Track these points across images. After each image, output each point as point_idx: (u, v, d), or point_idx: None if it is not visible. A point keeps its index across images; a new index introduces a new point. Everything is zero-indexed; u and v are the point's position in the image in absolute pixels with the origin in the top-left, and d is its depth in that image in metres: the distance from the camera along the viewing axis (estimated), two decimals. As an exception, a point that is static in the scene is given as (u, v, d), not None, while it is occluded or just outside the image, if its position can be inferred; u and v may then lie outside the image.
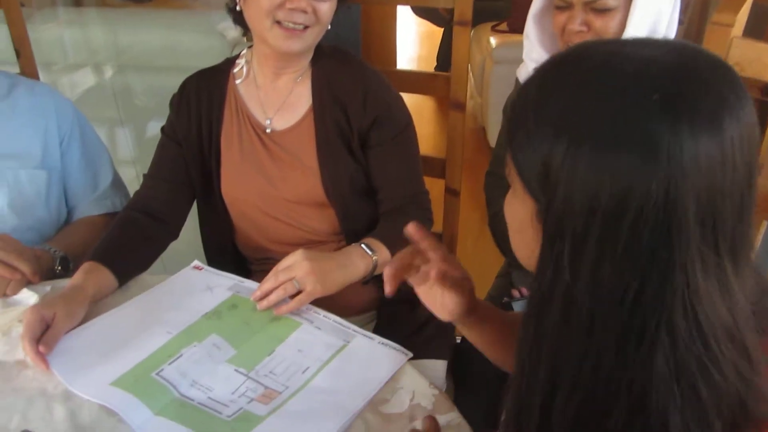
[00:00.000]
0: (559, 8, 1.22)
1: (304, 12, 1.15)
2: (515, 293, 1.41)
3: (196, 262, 1.21)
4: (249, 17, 1.21)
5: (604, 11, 1.17)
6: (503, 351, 0.96)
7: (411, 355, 1.01)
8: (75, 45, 2.60)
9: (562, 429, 0.58)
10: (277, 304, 1.08)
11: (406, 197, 1.31)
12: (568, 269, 0.55)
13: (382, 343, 1.02)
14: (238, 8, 1.23)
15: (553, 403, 0.58)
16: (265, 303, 1.07)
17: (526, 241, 0.63)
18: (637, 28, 1.16)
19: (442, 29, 4.63)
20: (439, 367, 1.28)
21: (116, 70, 2.48)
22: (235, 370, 0.96)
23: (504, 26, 3.82)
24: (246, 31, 1.29)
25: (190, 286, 1.15)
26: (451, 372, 1.33)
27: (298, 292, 1.08)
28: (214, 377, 0.95)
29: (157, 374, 0.93)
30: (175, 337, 1.01)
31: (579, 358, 0.56)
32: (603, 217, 0.52)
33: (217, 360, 0.97)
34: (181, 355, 0.97)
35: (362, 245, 1.18)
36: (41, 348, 0.96)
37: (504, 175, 1.49)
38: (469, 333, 0.96)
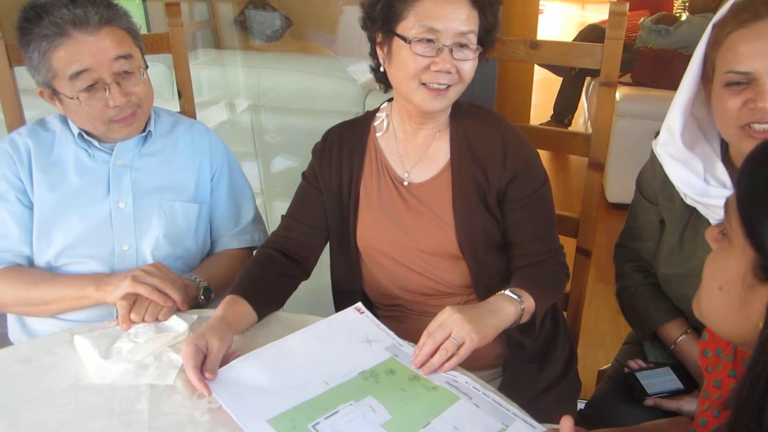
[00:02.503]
0: (735, 85, 1.09)
1: (449, 72, 1.19)
2: (633, 365, 1.36)
3: (358, 305, 1.23)
4: (393, 78, 1.25)
5: None
6: None
7: None
8: (212, 83, 2.79)
9: None
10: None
11: (541, 253, 1.30)
12: None
13: None
14: (381, 69, 1.28)
15: None
16: (428, 369, 1.06)
17: (728, 300, 0.64)
18: None
19: (561, 78, 4.60)
20: (561, 432, 1.25)
21: (253, 109, 2.63)
22: None
23: (628, 78, 3.75)
24: (387, 88, 1.34)
25: (350, 332, 1.17)
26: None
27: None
28: None
29: (314, 426, 0.95)
30: (332, 389, 1.03)
31: None
32: None
33: (372, 423, 0.97)
34: (337, 411, 0.98)
35: (506, 292, 1.17)
36: (207, 375, 1.02)
37: (636, 249, 1.45)
38: None
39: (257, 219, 1.59)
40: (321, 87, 2.41)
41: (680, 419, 1.13)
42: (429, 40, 1.17)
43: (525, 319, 1.18)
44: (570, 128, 4.54)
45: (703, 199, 1.18)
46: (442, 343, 1.06)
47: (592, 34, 4.18)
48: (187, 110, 1.70)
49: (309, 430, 0.95)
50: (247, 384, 1.04)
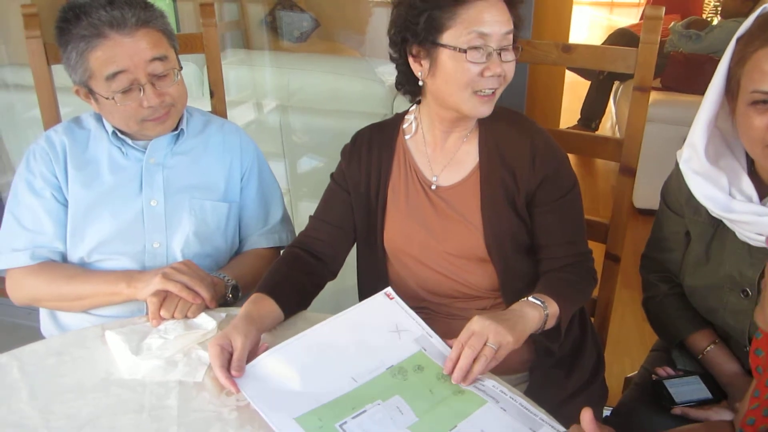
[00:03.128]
0: (762, 104, 1.06)
1: (499, 76, 1.18)
2: (661, 372, 1.35)
3: (388, 290, 1.23)
4: (440, 90, 1.22)
5: None
6: None
7: None
8: (241, 83, 2.81)
9: None
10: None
11: (569, 257, 1.29)
12: None
13: None
14: (420, 83, 1.26)
15: None
16: (470, 379, 1.04)
17: None
18: None
19: (589, 82, 4.56)
20: (587, 439, 1.24)
21: (280, 109, 2.65)
22: None
23: (657, 83, 3.71)
24: (414, 98, 1.33)
25: (379, 321, 1.17)
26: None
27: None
28: None
29: (341, 426, 0.96)
30: (360, 387, 1.04)
31: None
32: None
33: (399, 425, 0.97)
34: (364, 411, 0.99)
35: (530, 298, 1.17)
36: (234, 373, 1.03)
37: (661, 260, 1.43)
38: None
39: (285, 219, 1.60)
40: (349, 88, 2.42)
41: (716, 423, 1.11)
42: (477, 47, 1.16)
43: (550, 324, 1.17)
44: (597, 133, 4.50)
45: (727, 215, 1.16)
46: (479, 351, 1.05)
47: (621, 38, 4.14)
48: (219, 110, 1.72)
49: (336, 429, 0.95)
50: (275, 380, 1.04)
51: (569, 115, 4.86)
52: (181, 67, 1.39)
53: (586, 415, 0.89)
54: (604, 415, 1.45)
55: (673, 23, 4.05)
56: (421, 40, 1.20)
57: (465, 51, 1.15)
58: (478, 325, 1.07)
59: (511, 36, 1.19)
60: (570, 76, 5.19)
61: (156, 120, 1.36)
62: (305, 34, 3.99)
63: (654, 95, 3.50)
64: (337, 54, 3.65)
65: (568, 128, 3.81)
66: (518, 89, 1.74)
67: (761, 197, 1.14)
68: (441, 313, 1.37)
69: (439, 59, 1.19)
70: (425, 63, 1.22)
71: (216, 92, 1.70)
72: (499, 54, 1.17)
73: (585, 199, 1.34)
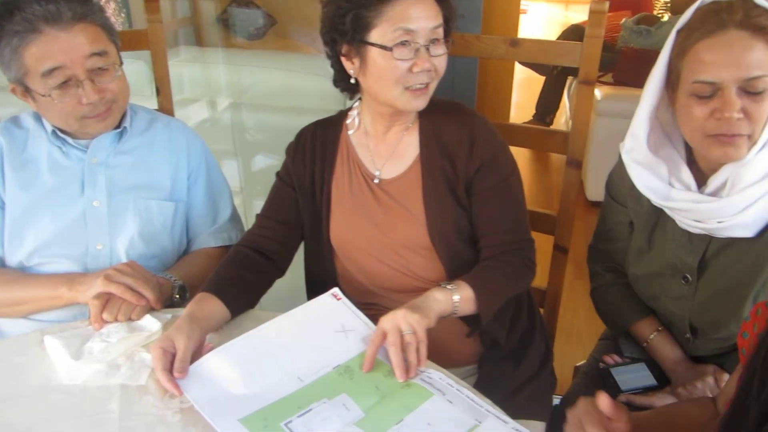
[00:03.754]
0: (702, 96, 1.08)
1: (429, 71, 1.19)
2: (608, 360, 1.37)
3: (335, 290, 1.22)
4: (372, 87, 1.23)
5: (759, 93, 1.04)
6: None
7: None
8: (193, 81, 2.76)
9: None
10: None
11: (507, 244, 1.29)
12: None
13: (516, 430, 0.96)
14: (353, 81, 1.26)
15: None
16: (413, 370, 1.05)
17: None
18: None
19: (544, 78, 4.61)
20: (537, 428, 1.27)
21: (233, 107, 2.61)
22: None
23: (609, 78, 3.77)
24: (353, 95, 1.34)
25: (326, 320, 1.16)
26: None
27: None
28: None
29: (286, 425, 0.94)
30: (306, 386, 1.03)
31: None
32: None
33: (346, 421, 0.96)
34: (310, 410, 0.98)
35: (441, 284, 1.19)
36: (176, 375, 1.01)
37: (607, 251, 1.46)
38: None
39: (234, 218, 1.58)
40: (302, 85, 2.39)
41: (702, 399, 1.13)
42: (404, 43, 1.16)
43: (467, 307, 1.19)
44: (551, 127, 4.56)
45: (667, 203, 1.19)
46: (402, 344, 1.07)
47: (574, 34, 4.19)
48: (165, 107, 1.68)
49: (281, 428, 0.94)
50: (220, 381, 1.03)
51: (525, 110, 4.92)
52: (121, 63, 1.35)
53: (603, 398, 0.86)
54: (554, 404, 1.46)
55: (624, 19, 4.13)
56: (349, 39, 1.20)
57: (391, 49, 1.16)
58: (384, 322, 1.09)
59: (440, 30, 1.19)
60: (526, 72, 5.26)
61: (96, 117, 1.33)
62: (261, 31, 3.94)
63: (606, 90, 3.56)
64: (293, 51, 3.61)
65: (523, 123, 3.86)
66: (469, 84, 1.75)
67: (699, 186, 1.17)
68: (391, 309, 1.36)
69: (369, 57, 1.19)
70: (356, 61, 1.22)
71: (162, 89, 1.66)
72: (428, 48, 1.17)
73: (540, 193, 1.35)
